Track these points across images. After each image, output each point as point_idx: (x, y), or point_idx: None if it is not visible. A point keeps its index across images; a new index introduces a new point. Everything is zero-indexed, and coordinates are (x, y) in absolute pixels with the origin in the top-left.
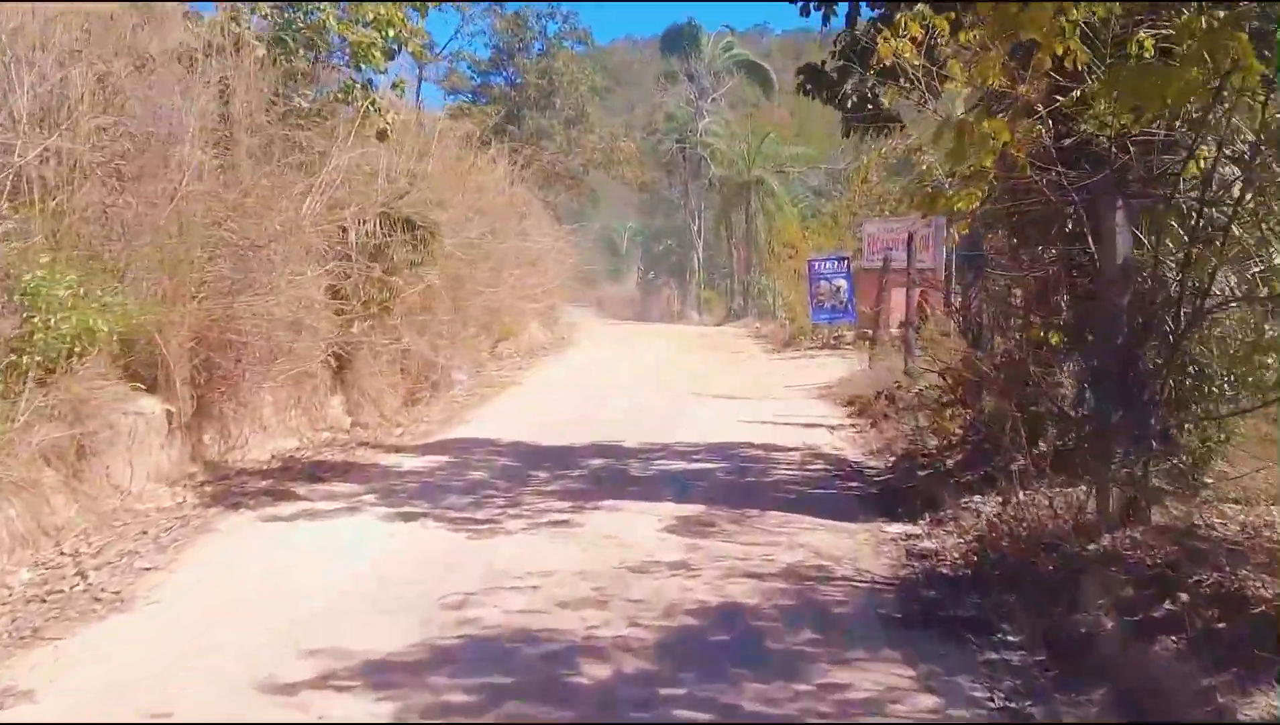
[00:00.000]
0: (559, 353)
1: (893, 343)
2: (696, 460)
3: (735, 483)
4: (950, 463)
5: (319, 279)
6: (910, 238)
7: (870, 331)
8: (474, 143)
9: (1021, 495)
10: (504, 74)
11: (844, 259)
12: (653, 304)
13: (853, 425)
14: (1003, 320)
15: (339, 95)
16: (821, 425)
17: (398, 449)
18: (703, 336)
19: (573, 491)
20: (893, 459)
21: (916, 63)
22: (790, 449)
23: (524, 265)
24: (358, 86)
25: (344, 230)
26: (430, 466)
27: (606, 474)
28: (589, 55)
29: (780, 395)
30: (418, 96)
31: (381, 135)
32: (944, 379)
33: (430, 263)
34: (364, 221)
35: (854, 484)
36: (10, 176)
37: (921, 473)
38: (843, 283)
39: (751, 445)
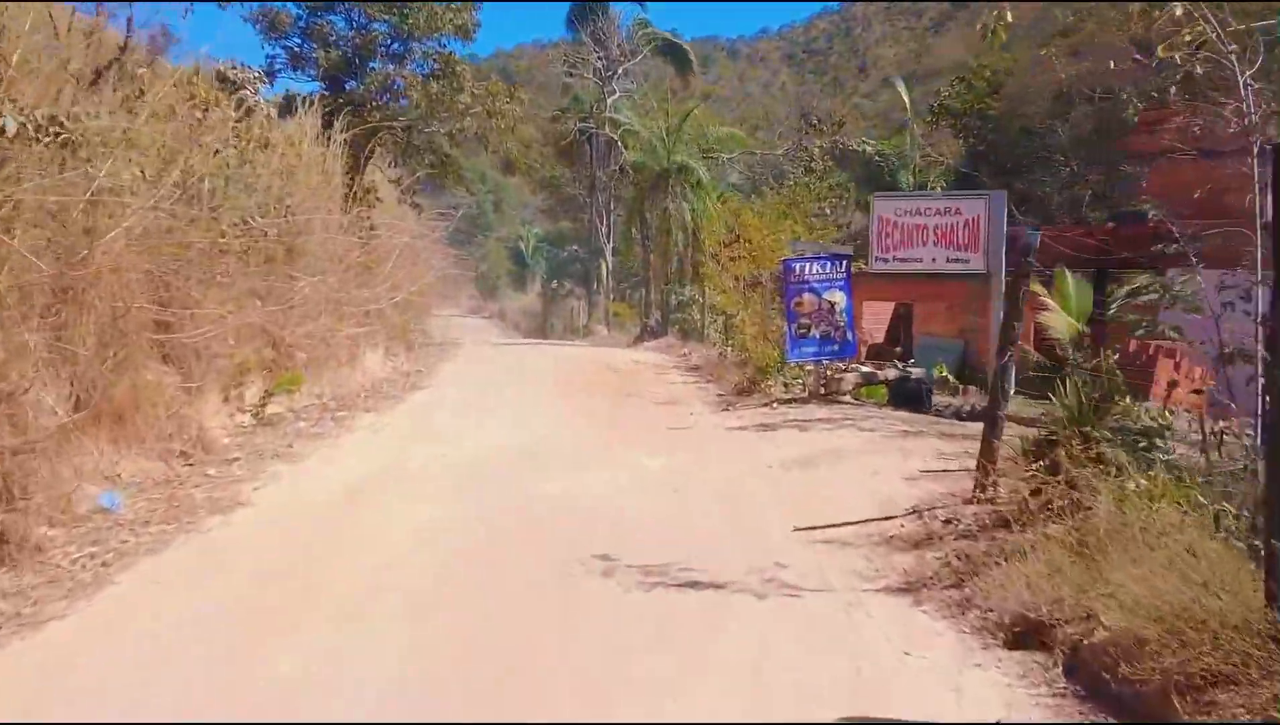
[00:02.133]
0: (388, 407)
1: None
2: None
3: None
4: None
5: None
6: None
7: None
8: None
9: None
10: (342, 13)
11: (843, 258)
12: (557, 316)
13: None
14: None
15: None
16: None
17: None
18: (612, 368)
19: None
20: None
21: None
22: None
23: (352, 269)
24: None
25: None
26: None
27: None
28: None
29: (792, 566)
30: None
31: None
32: None
33: None
34: None
35: None
36: None
37: None
38: (839, 296)
39: None
